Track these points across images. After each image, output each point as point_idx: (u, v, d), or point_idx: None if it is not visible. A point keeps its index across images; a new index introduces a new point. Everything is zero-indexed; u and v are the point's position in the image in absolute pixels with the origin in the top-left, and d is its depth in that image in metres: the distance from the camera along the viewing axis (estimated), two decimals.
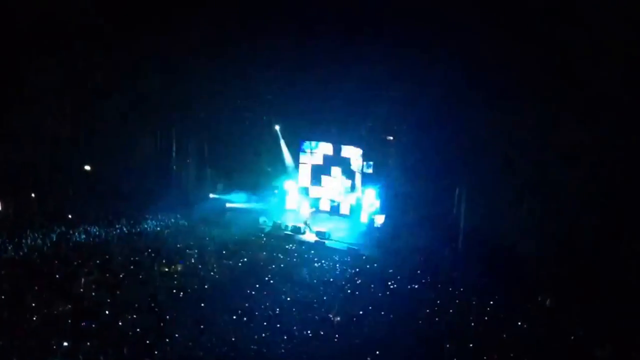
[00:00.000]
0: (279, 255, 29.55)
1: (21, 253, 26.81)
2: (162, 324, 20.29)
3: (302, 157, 37.92)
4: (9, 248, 27.01)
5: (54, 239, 28.85)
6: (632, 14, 23.74)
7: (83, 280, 23.41)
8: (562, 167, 27.61)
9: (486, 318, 22.89)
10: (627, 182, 25.86)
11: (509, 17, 26.73)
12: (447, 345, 19.81)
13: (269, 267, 27.42)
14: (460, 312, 23.37)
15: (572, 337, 21.14)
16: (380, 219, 34.97)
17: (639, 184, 25.51)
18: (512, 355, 19.67)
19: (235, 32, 32.39)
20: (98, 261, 25.84)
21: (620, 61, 24.74)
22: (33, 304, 20.90)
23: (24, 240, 27.93)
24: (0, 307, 20.73)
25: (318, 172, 37.70)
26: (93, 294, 22.53)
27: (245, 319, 21.12)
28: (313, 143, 37.41)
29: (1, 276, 23.52)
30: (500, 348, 20.11)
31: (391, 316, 22.52)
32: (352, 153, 36.20)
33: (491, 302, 24.26)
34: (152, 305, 21.69)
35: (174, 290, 23.34)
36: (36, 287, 22.30)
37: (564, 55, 26.30)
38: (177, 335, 19.37)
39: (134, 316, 20.59)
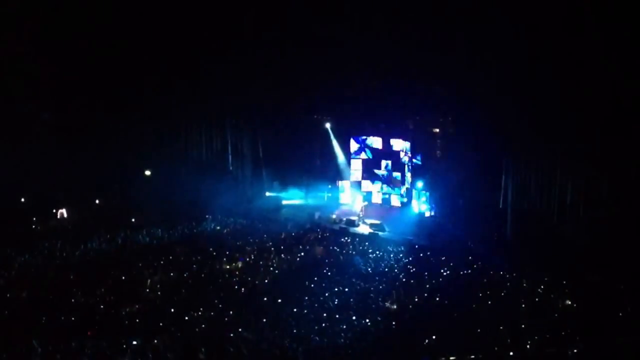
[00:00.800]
0: (335, 248, 30.32)
1: (88, 257, 27.55)
2: (225, 320, 20.80)
3: (354, 153, 38.58)
4: (77, 253, 27.82)
5: (119, 243, 29.71)
6: None
7: (149, 280, 24.25)
8: (609, 153, 27.98)
9: (537, 299, 23.40)
10: None
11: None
12: (501, 327, 20.16)
13: (326, 260, 28.14)
14: (511, 294, 23.94)
15: (620, 314, 21.53)
16: (429, 210, 35.67)
17: None
18: (564, 334, 19.93)
19: (287, 33, 32.95)
20: (162, 262, 26.63)
21: None
22: (102, 306, 21.60)
23: (90, 245, 28.80)
24: (72, 309, 21.22)
25: (369, 167, 38.36)
26: (159, 293, 23.19)
27: (305, 311, 21.59)
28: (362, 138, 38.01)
29: (70, 280, 24.17)
30: (550, 327, 20.35)
31: (445, 302, 23.06)
32: (401, 146, 36.79)
33: (541, 285, 24.80)
34: (216, 301, 22.19)
35: (236, 287, 23.99)
36: (104, 289, 22.97)
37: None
38: (240, 330, 19.74)
39: (199, 313, 21.10)
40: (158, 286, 23.89)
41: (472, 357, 18.26)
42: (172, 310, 21.43)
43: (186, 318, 20.78)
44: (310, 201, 39.02)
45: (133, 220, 33.36)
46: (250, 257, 27.94)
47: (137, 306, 21.87)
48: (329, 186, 39.14)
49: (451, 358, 17.99)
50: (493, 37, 28.58)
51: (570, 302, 22.86)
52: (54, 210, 33.97)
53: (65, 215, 33.96)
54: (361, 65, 33.88)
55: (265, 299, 22.71)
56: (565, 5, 26.48)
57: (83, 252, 28.12)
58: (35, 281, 23.79)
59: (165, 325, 20.08)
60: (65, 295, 22.37)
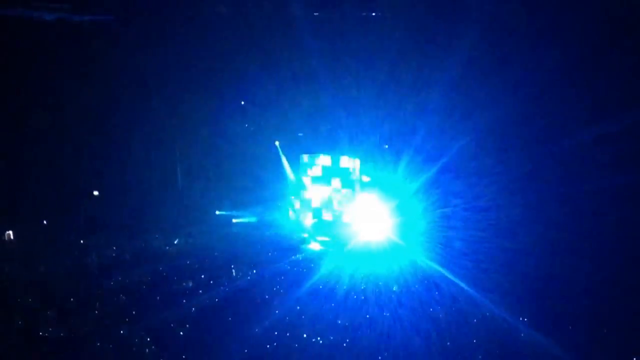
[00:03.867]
0: (287, 266, 30.24)
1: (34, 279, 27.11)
2: (178, 342, 20.84)
3: (304, 170, 38.57)
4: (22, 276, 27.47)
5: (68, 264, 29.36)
6: None
7: (98, 303, 23.97)
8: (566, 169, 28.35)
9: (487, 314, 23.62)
10: None
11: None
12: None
13: (278, 279, 27.97)
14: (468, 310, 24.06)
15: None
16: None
17: None
18: None
19: (233, 48, 32.91)
20: (112, 282, 26.42)
21: None
22: (50, 328, 21.49)
23: (38, 267, 28.46)
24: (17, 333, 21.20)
25: (319, 184, 38.38)
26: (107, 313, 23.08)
27: (256, 329, 21.67)
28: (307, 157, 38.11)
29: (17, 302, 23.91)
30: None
31: (401, 321, 23.03)
32: (350, 164, 36.91)
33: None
34: (167, 321, 22.19)
35: (187, 306, 23.92)
36: (48, 312, 22.69)
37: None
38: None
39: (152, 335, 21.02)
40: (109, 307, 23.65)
41: None
42: (121, 332, 21.29)
43: (135, 340, 20.64)
44: (261, 219, 38.70)
45: (82, 241, 32.75)
46: (200, 277, 27.78)
47: (81, 328, 21.79)
48: (279, 204, 38.95)
49: None
50: (447, 52, 28.78)
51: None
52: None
53: (12, 237, 33.21)
54: (309, 83, 33.86)
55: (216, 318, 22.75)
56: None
57: (31, 274, 27.73)
58: None
59: (118, 347, 20.11)
60: (9, 319, 22.15)
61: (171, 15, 33.12)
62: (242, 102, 36.31)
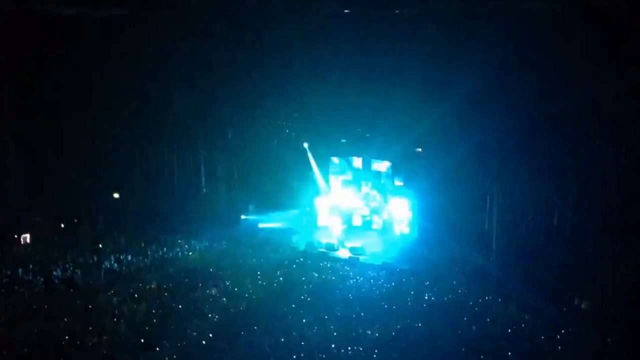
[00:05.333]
0: (314, 273, 29.35)
1: (53, 285, 26.62)
2: (199, 350, 20.10)
3: (333, 173, 37.68)
4: (40, 281, 26.91)
5: (86, 269, 28.76)
6: None
7: (116, 311, 23.26)
8: (591, 170, 27.37)
9: (523, 325, 22.73)
10: None
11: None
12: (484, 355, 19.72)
13: (305, 286, 27.22)
14: (497, 320, 23.29)
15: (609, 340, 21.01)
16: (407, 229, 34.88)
17: None
18: None
19: (261, 51, 32.47)
20: (131, 289, 25.78)
21: None
22: (67, 337, 20.64)
23: (54, 273, 27.84)
24: (34, 340, 20.50)
25: (349, 188, 37.51)
26: (126, 324, 22.20)
27: (282, 339, 20.87)
28: (336, 159, 37.22)
29: (33, 310, 23.26)
30: (540, 354, 20.00)
31: (429, 328, 22.33)
32: (382, 167, 35.96)
33: (527, 309, 24.19)
34: (188, 331, 21.46)
35: (209, 315, 23.09)
36: (67, 319, 22.07)
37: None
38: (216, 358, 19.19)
39: (170, 343, 20.34)
40: (126, 316, 22.90)
41: None
42: (142, 341, 20.59)
43: (157, 349, 19.93)
44: (288, 224, 37.81)
45: (100, 245, 31.92)
46: (224, 284, 27.02)
47: (104, 337, 20.89)
48: (307, 209, 38.08)
49: None
50: (475, 57, 28.10)
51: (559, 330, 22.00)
52: (16, 236, 32.52)
53: (29, 240, 32.51)
54: (340, 84, 33.10)
55: (239, 327, 21.94)
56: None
57: (47, 279, 27.10)
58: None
59: (135, 358, 19.46)
60: (28, 325, 21.54)
61: (199, 14, 32.74)
62: (271, 105, 35.34)
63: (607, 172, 26.70)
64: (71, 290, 25.76)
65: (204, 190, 37.74)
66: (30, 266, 28.42)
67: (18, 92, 34.47)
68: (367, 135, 35.40)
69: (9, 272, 27.60)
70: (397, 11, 30.61)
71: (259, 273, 28.71)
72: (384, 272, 30.13)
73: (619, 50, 24.64)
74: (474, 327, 22.43)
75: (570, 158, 28.01)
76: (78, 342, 20.35)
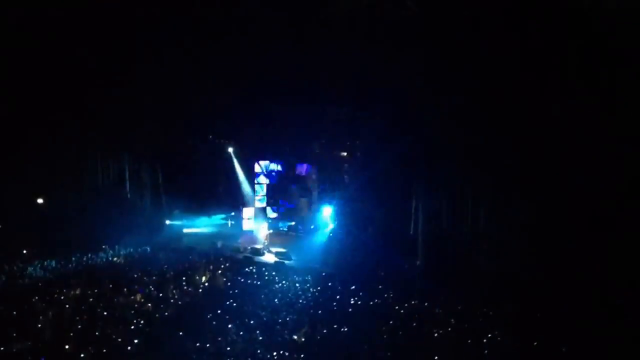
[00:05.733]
0: (240, 278, 29.27)
1: None
2: (123, 355, 19.81)
3: (258, 178, 37.64)
4: None
5: (10, 275, 28.34)
6: None
7: (41, 317, 22.70)
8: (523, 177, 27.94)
9: (449, 329, 22.80)
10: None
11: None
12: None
13: (230, 291, 27.11)
14: (423, 323, 23.32)
15: (535, 343, 21.14)
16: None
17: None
18: None
19: (186, 55, 32.26)
20: (56, 296, 25.23)
21: None
22: None
23: None
24: None
25: (274, 192, 37.54)
26: (50, 330, 21.62)
27: (208, 344, 20.59)
28: (266, 163, 37.24)
29: None
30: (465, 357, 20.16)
31: (355, 332, 22.31)
32: (307, 171, 36.11)
33: (453, 312, 24.33)
34: (114, 336, 21.12)
35: (135, 320, 22.68)
36: None
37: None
38: None
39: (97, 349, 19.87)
40: (51, 322, 22.34)
41: None
42: (67, 347, 20.07)
43: (81, 355, 19.42)
44: (213, 229, 37.64)
45: (24, 251, 31.49)
46: (149, 289, 26.66)
47: (28, 343, 20.40)
48: (233, 213, 38.02)
49: None
50: (399, 55, 28.35)
51: (487, 333, 22.23)
52: None
53: None
54: (264, 89, 33.16)
55: (164, 332, 21.59)
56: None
57: None
58: None
59: None
60: None
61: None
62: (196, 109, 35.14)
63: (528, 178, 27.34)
64: None
65: (129, 195, 37.43)
66: None
67: None
68: (293, 140, 35.52)
69: None
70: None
71: (184, 278, 28.47)
72: (309, 276, 30.13)
73: None
74: (400, 331, 22.43)
75: (491, 164, 28.50)
76: (2, 348, 19.94)
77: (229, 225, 38.14)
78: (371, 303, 26.07)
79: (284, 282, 29.08)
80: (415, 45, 27.60)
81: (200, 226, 37.85)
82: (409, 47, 27.71)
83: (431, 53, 27.36)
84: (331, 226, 35.26)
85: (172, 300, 25.49)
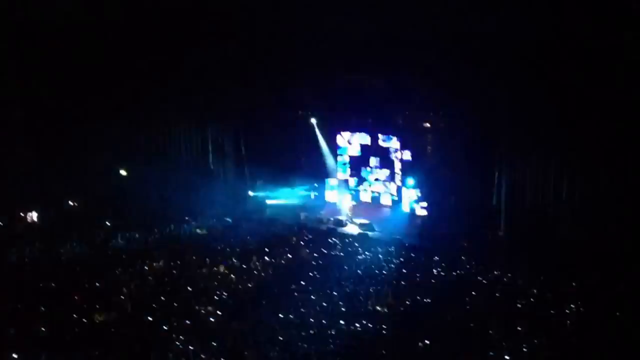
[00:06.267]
0: (323, 249, 29.21)
1: (60, 262, 26.67)
2: (207, 328, 19.92)
3: (341, 149, 37.45)
4: (48, 258, 26.99)
5: (94, 247, 28.83)
6: None
7: (124, 289, 23.06)
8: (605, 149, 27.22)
9: (532, 300, 22.60)
10: None
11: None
12: (493, 330, 19.44)
13: (313, 263, 27.13)
14: (506, 295, 23.14)
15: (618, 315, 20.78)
16: (420, 208, 34.54)
17: None
18: (557, 338, 19.20)
19: (266, 28, 32.29)
20: (138, 268, 25.70)
21: None
22: (74, 314, 20.51)
23: (62, 249, 27.91)
24: (42, 316, 20.39)
25: (357, 164, 37.27)
26: (136, 300, 22.12)
27: (291, 316, 20.70)
28: (348, 135, 36.95)
29: (40, 286, 23.25)
30: (546, 330, 19.66)
31: (438, 303, 22.26)
32: (390, 142, 35.68)
33: (536, 283, 24.13)
34: (197, 308, 21.31)
35: (217, 292, 22.89)
36: (76, 297, 22.00)
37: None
38: (224, 336, 18.89)
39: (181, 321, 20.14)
40: (135, 294, 22.77)
41: None
42: (150, 318, 20.39)
43: (164, 327, 19.62)
44: (296, 201, 37.68)
45: (108, 223, 32.02)
46: (232, 261, 26.80)
47: (112, 314, 20.83)
48: (315, 185, 37.93)
49: None
50: (482, 32, 27.85)
51: (567, 304, 21.79)
52: (23, 214, 32.53)
53: (35, 218, 32.51)
54: (347, 60, 32.90)
55: (249, 304, 21.74)
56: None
57: (55, 257, 27.18)
58: (4, 289, 22.87)
59: (143, 335, 19.13)
60: (36, 303, 21.40)
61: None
62: (277, 79, 35.04)
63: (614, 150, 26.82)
64: (78, 268, 25.60)
65: (212, 167, 37.76)
66: (37, 244, 28.46)
67: None
68: (374, 111, 35.16)
69: (15, 250, 27.54)
70: None
71: (267, 250, 28.48)
72: (392, 248, 29.91)
73: None
74: (482, 302, 22.26)
75: (581, 141, 28.03)
76: (85, 320, 20.24)
77: (312, 196, 37.97)
78: (453, 274, 25.92)
79: (366, 253, 28.90)
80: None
81: (284, 197, 37.82)
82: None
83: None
84: (415, 197, 34.79)
85: (255, 272, 25.62)
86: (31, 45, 33.72)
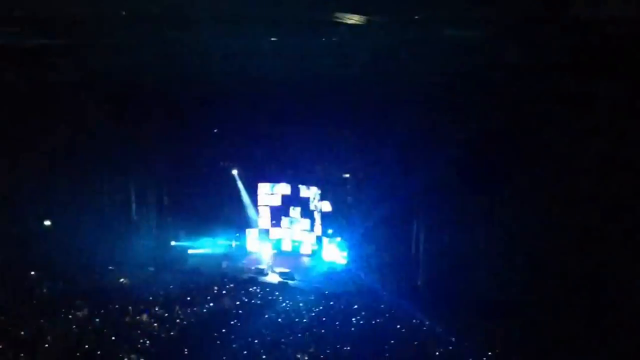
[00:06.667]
0: (244, 298, 29.56)
1: None
2: None
3: (261, 200, 38.04)
4: None
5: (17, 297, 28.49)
6: None
7: (49, 337, 23.11)
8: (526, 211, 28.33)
9: (450, 348, 23.39)
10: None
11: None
12: None
13: (234, 311, 27.44)
14: (426, 343, 23.85)
15: None
16: (340, 257, 35.25)
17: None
18: None
19: (188, 82, 32.63)
20: (62, 316, 25.67)
21: None
22: None
23: None
24: None
25: (277, 214, 37.87)
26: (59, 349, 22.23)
27: None
28: (269, 185, 37.62)
29: None
30: None
31: (358, 352, 22.79)
32: (310, 193, 36.42)
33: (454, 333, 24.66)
34: (120, 355, 21.51)
35: (141, 340, 23.14)
36: (1, 346, 22.10)
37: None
38: None
39: None
40: (59, 342, 22.88)
41: None
42: None
43: None
44: (218, 250, 37.95)
45: (32, 273, 31.78)
46: (155, 310, 27.01)
47: None
48: (237, 234, 38.34)
49: None
50: (403, 80, 28.76)
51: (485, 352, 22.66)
52: None
53: None
54: (267, 112, 33.53)
55: (171, 353, 22.12)
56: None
57: None
58: None
59: None
60: None
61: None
62: (199, 130, 35.51)
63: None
64: (2, 317, 25.51)
65: (135, 217, 37.75)
66: None
67: None
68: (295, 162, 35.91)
69: None
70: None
71: (189, 298, 28.75)
72: (312, 296, 30.45)
73: None
74: (402, 350, 22.92)
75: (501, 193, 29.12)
76: None
77: (233, 246, 38.33)
78: (373, 322, 26.39)
79: (287, 301, 29.30)
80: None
81: (206, 247, 38.06)
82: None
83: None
84: (335, 247, 35.50)
85: (177, 320, 25.86)
86: None
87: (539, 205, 27.76)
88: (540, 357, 21.97)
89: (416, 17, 24.03)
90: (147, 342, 23.15)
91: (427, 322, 26.20)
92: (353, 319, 26.68)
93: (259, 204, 38.32)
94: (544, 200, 27.48)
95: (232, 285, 31.92)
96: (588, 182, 25.68)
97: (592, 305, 25.10)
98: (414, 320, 26.52)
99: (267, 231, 38.28)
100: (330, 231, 35.87)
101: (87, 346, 22.48)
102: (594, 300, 25.19)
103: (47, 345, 22.45)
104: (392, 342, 23.67)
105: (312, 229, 36.95)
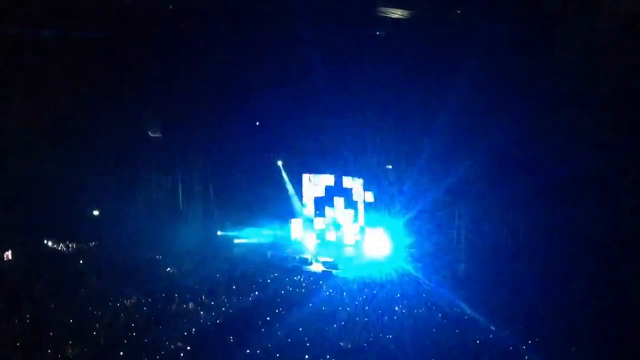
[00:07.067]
0: (288, 287, 30.00)
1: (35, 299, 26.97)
2: None
3: (305, 190, 38.43)
4: (23, 295, 27.31)
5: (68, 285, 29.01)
6: None
7: (97, 324, 23.75)
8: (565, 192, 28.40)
9: (491, 336, 23.45)
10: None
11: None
12: None
13: (279, 300, 27.81)
14: (468, 330, 24.07)
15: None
16: (383, 247, 35.57)
17: None
18: None
19: (235, 68, 32.97)
20: (110, 304, 26.28)
21: None
22: (48, 350, 21.35)
23: (36, 286, 28.43)
24: (17, 349, 21.28)
25: (321, 204, 38.11)
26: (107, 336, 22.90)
27: (258, 351, 21.35)
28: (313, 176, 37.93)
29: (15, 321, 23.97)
30: None
31: (399, 340, 22.96)
32: (353, 183, 36.63)
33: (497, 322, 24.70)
34: (167, 343, 21.95)
35: (187, 328, 23.60)
36: (51, 332, 22.81)
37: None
38: None
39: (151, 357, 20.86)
40: (106, 329, 23.42)
41: None
42: (121, 354, 21.03)
43: None
44: (263, 239, 38.45)
45: (81, 262, 32.55)
46: (202, 299, 27.49)
47: (85, 349, 21.47)
48: (282, 224, 38.72)
49: None
50: (446, 73, 28.88)
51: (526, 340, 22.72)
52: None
53: (11, 257, 32.93)
54: (311, 105, 33.84)
55: (216, 341, 22.42)
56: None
57: (30, 293, 27.50)
58: None
59: None
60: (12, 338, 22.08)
61: (172, 34, 33.25)
62: (244, 122, 35.93)
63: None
64: (52, 305, 26.06)
65: (182, 208, 38.52)
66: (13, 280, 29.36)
67: None
68: (340, 152, 36.13)
69: None
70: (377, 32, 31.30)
71: (234, 287, 29.25)
72: (355, 285, 30.63)
73: None
74: (443, 340, 23.01)
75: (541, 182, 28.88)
76: (59, 355, 21.06)
77: (278, 235, 38.76)
78: (414, 311, 26.55)
79: (331, 290, 29.69)
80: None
81: (251, 237, 38.60)
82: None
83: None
84: (378, 237, 35.72)
85: (223, 309, 26.31)
86: None
87: (586, 197, 27.76)
88: (581, 347, 21.79)
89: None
90: (193, 330, 23.55)
91: (467, 312, 26.25)
92: (395, 308, 26.88)
93: (303, 194, 38.60)
94: (591, 192, 27.46)
95: (276, 274, 32.40)
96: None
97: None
98: (455, 309, 26.59)
99: (311, 221, 38.53)
100: (373, 221, 35.95)
101: (134, 334, 22.96)
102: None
103: (94, 333, 23.01)
104: (433, 330, 23.87)
105: (355, 219, 37.11)
